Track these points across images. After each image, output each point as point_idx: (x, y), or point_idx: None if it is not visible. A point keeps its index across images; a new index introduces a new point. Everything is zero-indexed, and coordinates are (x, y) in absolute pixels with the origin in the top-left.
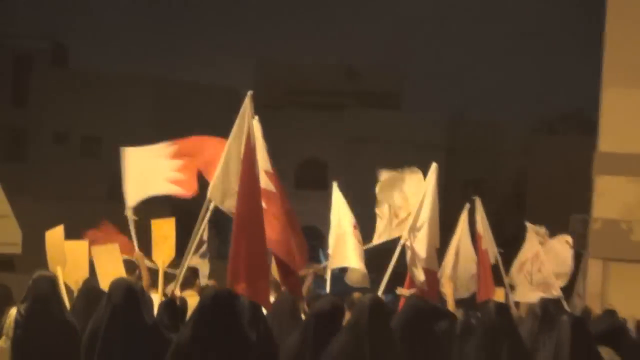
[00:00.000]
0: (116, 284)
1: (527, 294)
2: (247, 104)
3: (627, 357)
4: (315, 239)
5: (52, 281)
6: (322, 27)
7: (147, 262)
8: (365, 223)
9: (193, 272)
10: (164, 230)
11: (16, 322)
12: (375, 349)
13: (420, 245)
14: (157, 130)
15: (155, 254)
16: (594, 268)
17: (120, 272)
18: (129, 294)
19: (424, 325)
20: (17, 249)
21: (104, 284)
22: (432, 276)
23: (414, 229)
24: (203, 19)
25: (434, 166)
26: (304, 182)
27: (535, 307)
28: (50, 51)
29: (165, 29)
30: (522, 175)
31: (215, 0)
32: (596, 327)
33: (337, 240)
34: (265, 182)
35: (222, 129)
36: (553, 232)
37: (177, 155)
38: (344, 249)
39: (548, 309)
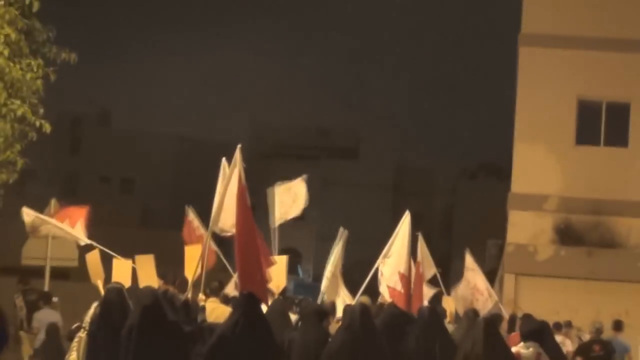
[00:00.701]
0: (144, 291)
1: None
2: (237, 155)
3: (548, 350)
4: (295, 257)
5: (119, 290)
6: (299, 94)
7: None
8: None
9: (219, 284)
10: (193, 253)
11: (91, 319)
12: (366, 343)
13: (387, 268)
14: (176, 172)
15: (187, 271)
16: (508, 281)
17: (153, 276)
18: (154, 298)
19: (397, 326)
20: (75, 263)
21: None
22: (395, 292)
23: (385, 256)
24: (214, 88)
25: (407, 213)
26: None
27: (469, 311)
28: (97, 114)
29: (178, 99)
30: (450, 210)
31: (218, 72)
32: (523, 327)
33: (332, 277)
34: None
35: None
36: (474, 254)
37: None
38: (337, 286)
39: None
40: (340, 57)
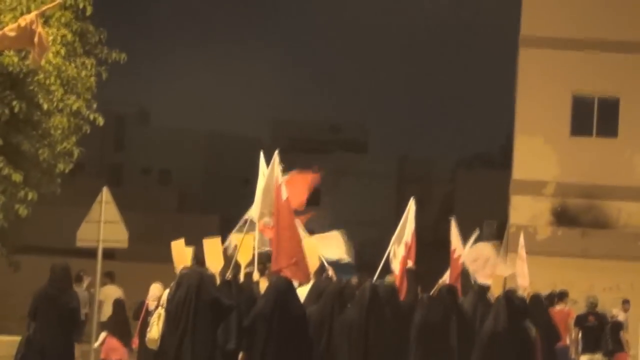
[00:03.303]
0: (189, 272)
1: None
2: (275, 158)
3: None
4: None
5: (200, 273)
6: (313, 93)
7: None
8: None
9: (264, 266)
10: (246, 242)
11: (168, 298)
12: (371, 316)
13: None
14: (207, 164)
15: (240, 256)
16: (510, 259)
17: (220, 259)
18: (199, 277)
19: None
20: (125, 245)
21: (211, 267)
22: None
23: (396, 241)
24: (239, 89)
25: (412, 199)
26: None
27: (475, 285)
28: (137, 114)
29: (208, 98)
30: (450, 196)
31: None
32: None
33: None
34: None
35: (247, 167)
36: (472, 234)
37: None
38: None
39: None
40: (351, 59)
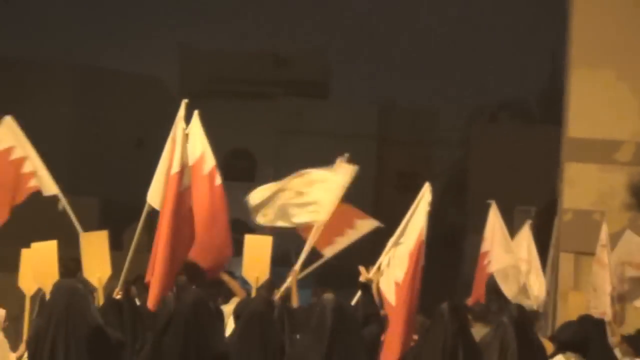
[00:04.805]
0: (55, 289)
1: None
2: (181, 112)
3: None
4: (241, 232)
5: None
6: (248, 12)
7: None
8: None
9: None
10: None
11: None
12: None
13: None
14: (78, 115)
15: (247, 271)
16: (565, 263)
17: (107, 265)
18: (69, 295)
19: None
20: None
21: (92, 279)
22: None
23: (396, 243)
24: (125, 4)
25: (427, 185)
26: (231, 173)
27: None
28: None
29: (86, 15)
30: (459, 166)
31: None
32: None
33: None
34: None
35: (144, 117)
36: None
37: None
38: None
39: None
40: None
